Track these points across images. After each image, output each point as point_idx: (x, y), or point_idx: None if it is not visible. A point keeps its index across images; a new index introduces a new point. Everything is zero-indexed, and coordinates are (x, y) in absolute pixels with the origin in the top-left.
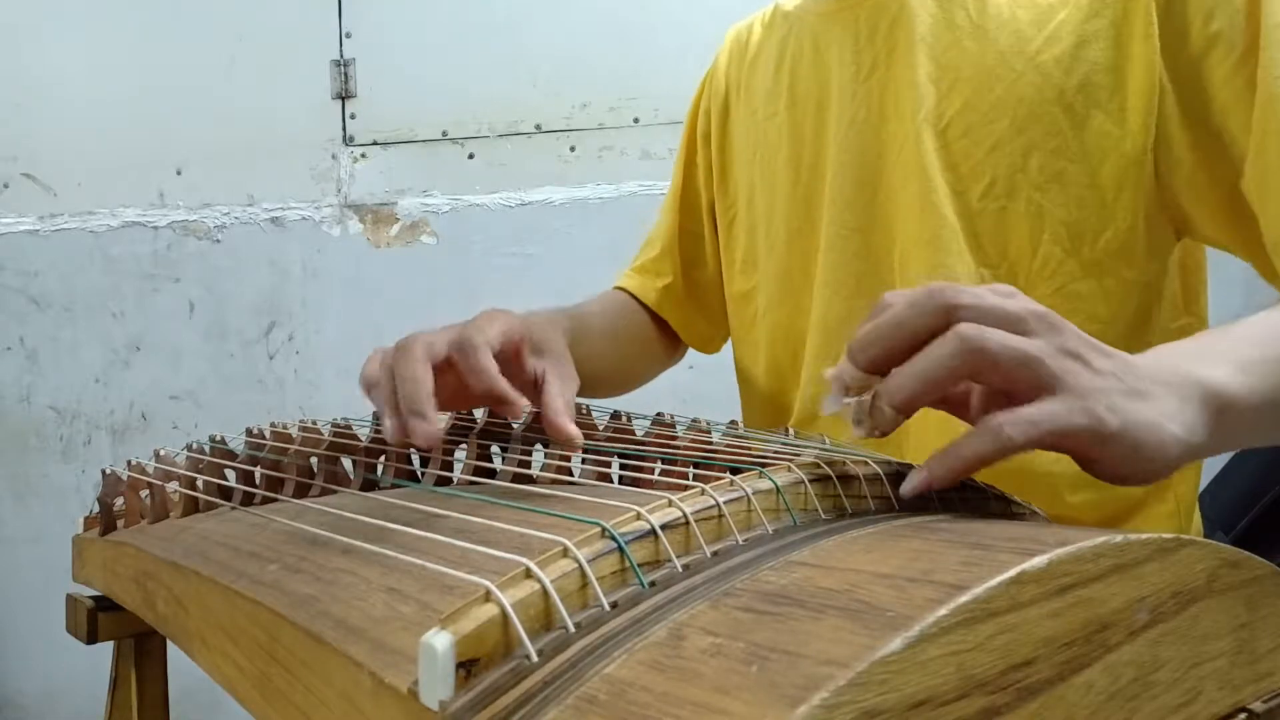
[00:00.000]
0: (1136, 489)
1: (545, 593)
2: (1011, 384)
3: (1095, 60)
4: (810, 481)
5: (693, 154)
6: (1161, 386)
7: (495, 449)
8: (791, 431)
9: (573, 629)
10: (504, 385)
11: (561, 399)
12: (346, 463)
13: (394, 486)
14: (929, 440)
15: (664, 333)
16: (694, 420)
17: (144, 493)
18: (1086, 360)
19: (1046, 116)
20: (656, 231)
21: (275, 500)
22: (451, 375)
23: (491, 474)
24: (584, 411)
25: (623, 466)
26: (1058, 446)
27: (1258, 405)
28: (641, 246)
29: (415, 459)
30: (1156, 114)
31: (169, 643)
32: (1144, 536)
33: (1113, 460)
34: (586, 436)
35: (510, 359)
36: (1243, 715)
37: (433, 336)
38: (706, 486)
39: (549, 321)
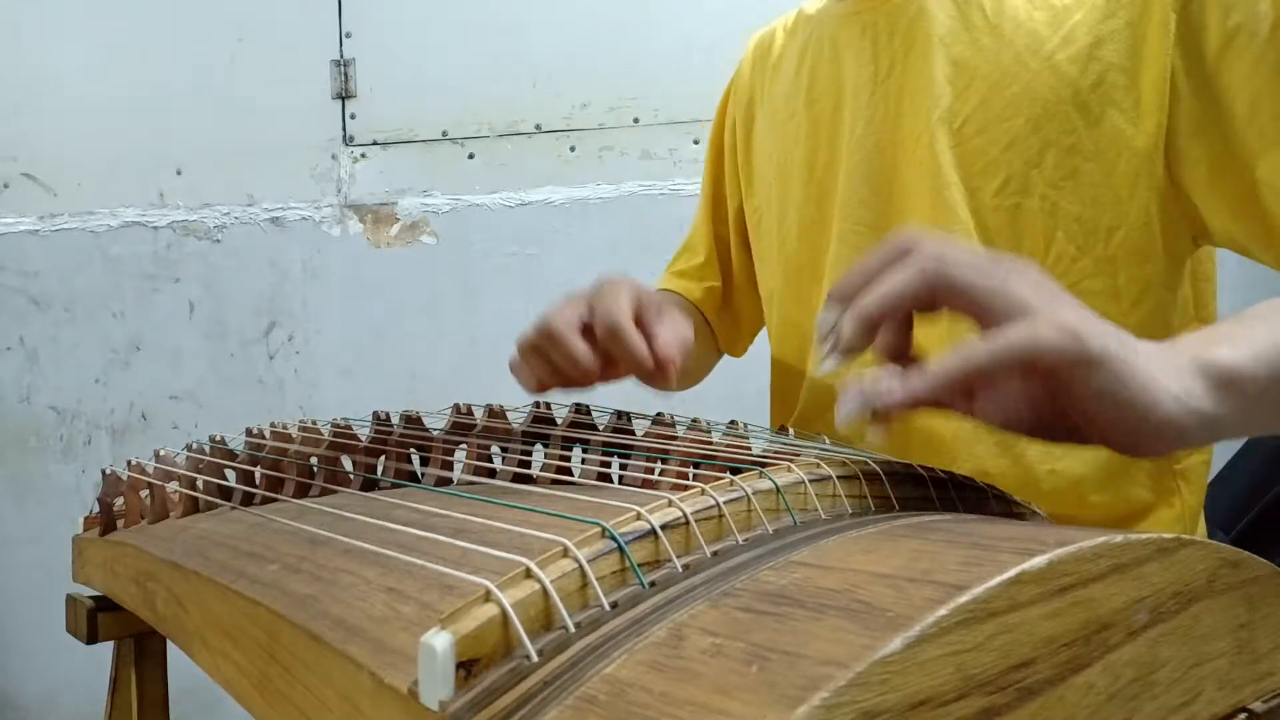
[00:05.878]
0: (1146, 493)
1: (545, 593)
2: (979, 310)
3: (1110, 60)
4: (810, 481)
5: (719, 163)
6: (1155, 355)
7: (495, 449)
8: (791, 431)
9: (573, 629)
10: (650, 354)
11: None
12: (346, 463)
13: (394, 486)
14: (935, 432)
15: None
16: (694, 420)
17: (144, 493)
18: (1068, 302)
19: (1062, 115)
20: (696, 238)
21: (275, 500)
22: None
23: (491, 474)
24: (584, 411)
25: (623, 466)
26: (1033, 367)
27: (1266, 380)
28: (678, 253)
29: (415, 459)
30: (1168, 112)
31: (169, 643)
32: (1144, 536)
33: (1106, 415)
34: (587, 436)
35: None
36: (1243, 715)
37: (573, 314)
38: (706, 486)
39: (660, 294)
